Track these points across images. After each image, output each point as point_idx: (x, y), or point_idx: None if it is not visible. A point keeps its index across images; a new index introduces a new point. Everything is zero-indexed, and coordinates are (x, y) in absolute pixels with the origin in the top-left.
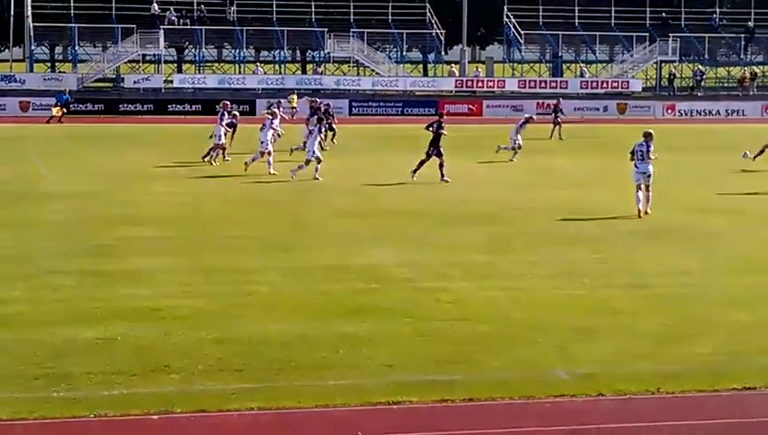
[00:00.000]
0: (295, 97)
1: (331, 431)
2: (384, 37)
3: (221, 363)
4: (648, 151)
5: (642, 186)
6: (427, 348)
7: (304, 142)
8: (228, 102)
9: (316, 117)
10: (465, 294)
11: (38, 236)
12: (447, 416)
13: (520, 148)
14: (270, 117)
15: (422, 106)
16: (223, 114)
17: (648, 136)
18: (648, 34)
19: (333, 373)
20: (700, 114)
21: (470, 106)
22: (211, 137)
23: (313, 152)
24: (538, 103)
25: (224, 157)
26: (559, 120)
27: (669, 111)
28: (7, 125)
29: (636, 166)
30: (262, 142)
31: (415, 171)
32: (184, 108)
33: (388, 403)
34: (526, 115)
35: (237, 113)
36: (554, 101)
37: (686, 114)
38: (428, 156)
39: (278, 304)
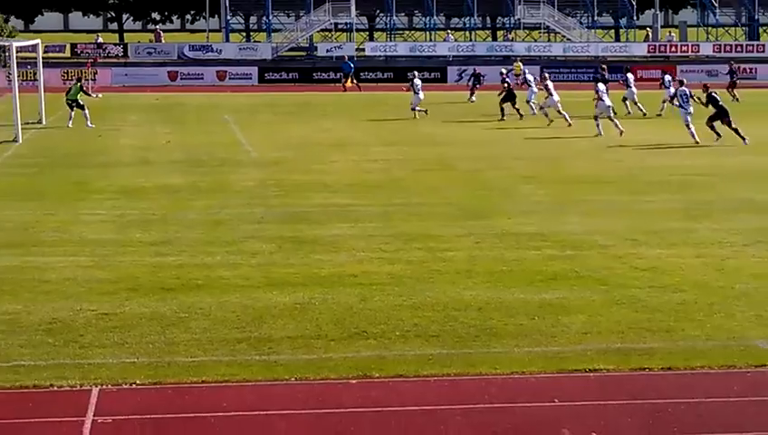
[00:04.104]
0: (520, 64)
1: (529, 398)
2: (574, 3)
3: (417, 329)
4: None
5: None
6: (623, 316)
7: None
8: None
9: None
10: (660, 261)
11: (235, 202)
12: (646, 384)
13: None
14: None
15: (613, 72)
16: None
17: (681, 83)
18: None
19: (529, 340)
20: None
21: (664, 71)
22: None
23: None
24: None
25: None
26: (735, 80)
27: None
28: (205, 93)
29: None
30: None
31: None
32: (376, 75)
33: (585, 371)
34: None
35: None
36: (729, 64)
37: None
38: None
39: (473, 271)
